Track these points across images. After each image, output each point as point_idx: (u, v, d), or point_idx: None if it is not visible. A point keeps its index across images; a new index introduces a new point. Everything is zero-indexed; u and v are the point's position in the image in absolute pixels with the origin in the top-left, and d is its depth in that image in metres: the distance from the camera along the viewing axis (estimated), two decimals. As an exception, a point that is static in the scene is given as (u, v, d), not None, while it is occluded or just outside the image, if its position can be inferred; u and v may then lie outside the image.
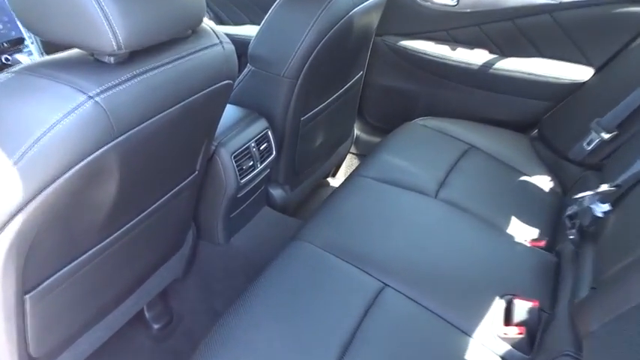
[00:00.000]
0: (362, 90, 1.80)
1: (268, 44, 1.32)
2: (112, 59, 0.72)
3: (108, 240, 0.90)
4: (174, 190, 1.03)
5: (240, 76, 1.38)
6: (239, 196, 1.26)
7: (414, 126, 1.64)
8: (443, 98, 1.79)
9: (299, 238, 1.12)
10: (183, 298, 1.35)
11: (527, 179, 1.48)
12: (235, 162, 1.22)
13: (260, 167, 1.31)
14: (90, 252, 0.87)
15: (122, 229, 0.92)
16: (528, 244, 1.19)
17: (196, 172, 1.10)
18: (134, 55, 0.74)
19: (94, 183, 0.73)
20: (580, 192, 1.35)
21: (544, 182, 1.49)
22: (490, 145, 1.58)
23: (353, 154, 2.03)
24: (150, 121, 0.75)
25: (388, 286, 1.02)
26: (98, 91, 0.68)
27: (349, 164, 2.05)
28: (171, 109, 0.80)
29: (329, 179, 1.97)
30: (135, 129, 0.73)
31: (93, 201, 0.77)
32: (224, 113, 1.08)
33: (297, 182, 1.58)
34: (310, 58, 1.29)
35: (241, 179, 1.24)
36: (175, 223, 1.16)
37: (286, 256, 1.08)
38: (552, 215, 1.37)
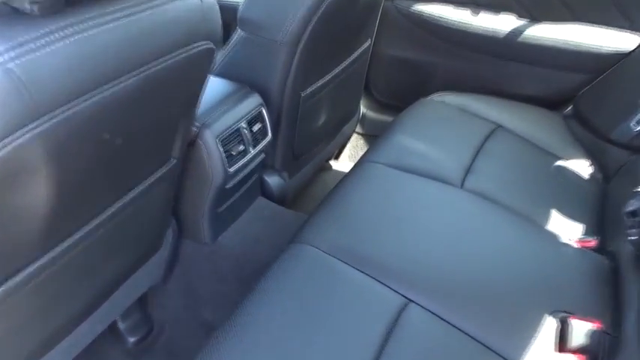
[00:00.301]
0: (369, 62, 1.58)
1: (262, 5, 1.10)
2: (34, 8, 0.50)
3: (55, 251, 0.70)
4: (144, 186, 0.82)
5: (229, 44, 1.16)
6: (228, 187, 1.05)
7: (430, 103, 1.43)
8: (463, 71, 1.58)
9: (300, 241, 0.92)
10: (165, 306, 1.16)
11: (564, 164, 1.28)
12: (223, 147, 1.01)
13: (253, 152, 1.10)
14: (31, 268, 0.67)
15: (74, 237, 0.72)
16: (576, 245, 0.99)
17: (173, 161, 0.90)
18: (69, 3, 0.53)
19: (14, 184, 0.53)
20: (628, 180, 1.15)
21: (582, 167, 1.29)
22: (519, 125, 1.38)
23: (358, 134, 1.82)
24: (92, 95, 0.54)
25: (412, 301, 0.82)
26: (9, 48, 0.46)
27: (354, 145, 1.84)
28: (124, 80, 0.58)
29: (331, 162, 1.77)
30: (69, 106, 0.52)
31: (17, 207, 0.56)
32: (208, 88, 0.87)
33: (297, 168, 1.37)
34: (312, 23, 1.08)
35: (230, 167, 1.03)
36: (149, 221, 0.96)
37: (286, 262, 0.88)
38: (595, 207, 1.18)
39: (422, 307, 0.82)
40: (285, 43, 1.09)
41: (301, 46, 1.11)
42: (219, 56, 1.21)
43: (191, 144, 1.00)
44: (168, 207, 1.00)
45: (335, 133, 1.57)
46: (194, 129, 0.99)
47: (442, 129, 1.30)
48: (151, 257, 1.05)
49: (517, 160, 1.24)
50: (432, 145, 1.22)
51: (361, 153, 1.86)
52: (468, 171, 1.15)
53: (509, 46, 1.49)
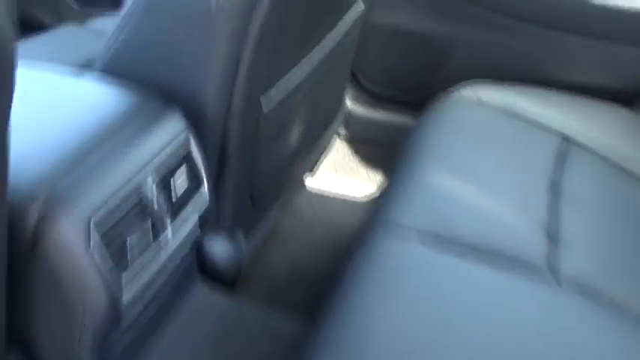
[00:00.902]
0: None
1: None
2: None
3: None
4: None
5: (123, 18, 0.63)
6: (124, 324, 0.53)
7: (460, 102, 0.96)
8: (496, 48, 1.14)
9: None
10: None
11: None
12: (105, 240, 0.48)
13: (173, 230, 0.58)
14: None
15: None
16: None
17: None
18: None
19: None
20: None
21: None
22: (591, 134, 0.96)
23: (341, 135, 1.33)
24: None
25: None
26: None
27: (335, 151, 1.36)
28: None
29: (304, 177, 1.27)
30: None
31: None
32: (75, 98, 0.52)
33: (257, 217, 0.86)
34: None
35: (124, 287, 0.50)
36: None
37: None
38: None
39: None
40: (226, 12, 0.58)
41: (258, 14, 0.61)
42: (105, 42, 0.66)
43: (30, 242, 0.46)
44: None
45: (313, 145, 1.06)
46: (32, 211, 0.45)
47: (491, 152, 0.82)
48: None
49: (612, 206, 0.78)
50: (484, 187, 0.73)
51: (344, 162, 1.38)
52: (557, 242, 0.67)
53: (559, 12, 1.08)
